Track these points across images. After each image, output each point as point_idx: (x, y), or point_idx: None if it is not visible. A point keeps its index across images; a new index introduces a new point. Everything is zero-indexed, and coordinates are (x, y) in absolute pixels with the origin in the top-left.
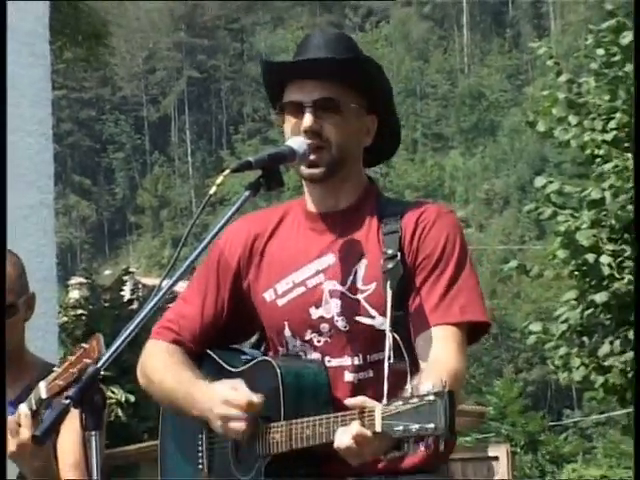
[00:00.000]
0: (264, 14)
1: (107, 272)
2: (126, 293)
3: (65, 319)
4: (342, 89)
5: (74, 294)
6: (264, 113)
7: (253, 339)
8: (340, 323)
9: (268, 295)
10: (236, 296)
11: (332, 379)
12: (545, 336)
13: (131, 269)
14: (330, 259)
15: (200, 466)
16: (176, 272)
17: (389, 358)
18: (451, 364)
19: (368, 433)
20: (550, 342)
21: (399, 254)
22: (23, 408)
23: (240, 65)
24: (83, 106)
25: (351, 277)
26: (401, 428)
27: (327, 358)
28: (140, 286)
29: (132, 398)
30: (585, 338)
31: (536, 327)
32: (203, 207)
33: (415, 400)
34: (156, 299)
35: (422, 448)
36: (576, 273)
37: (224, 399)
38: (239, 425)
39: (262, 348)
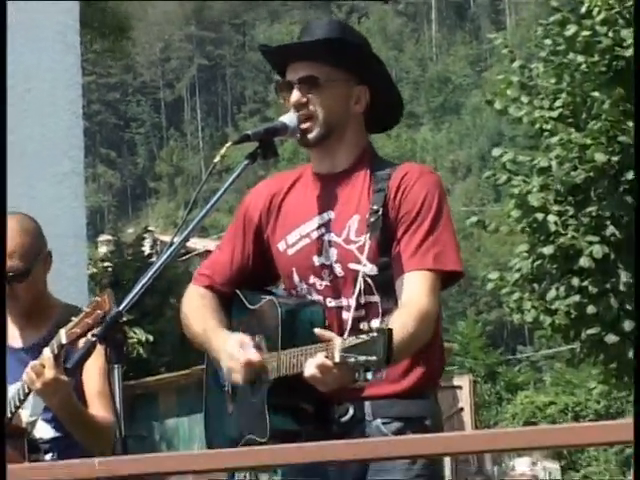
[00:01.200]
0: (262, 11)
1: (130, 230)
2: (146, 248)
3: (94, 270)
4: (327, 67)
5: (102, 249)
6: (262, 95)
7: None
8: (337, 269)
9: (281, 246)
10: (259, 245)
11: (332, 318)
12: (501, 283)
13: (150, 228)
14: (330, 214)
15: (225, 388)
16: (187, 230)
17: (357, 297)
18: (421, 304)
19: (329, 363)
20: (505, 288)
21: (381, 210)
22: (47, 352)
23: (242, 54)
24: (109, 90)
25: (346, 230)
26: (353, 359)
27: (328, 299)
28: (158, 242)
29: (151, 338)
30: (535, 285)
31: (494, 276)
32: (208, 175)
33: (364, 336)
34: (169, 252)
35: (371, 376)
36: (527, 229)
37: (230, 354)
38: (237, 377)
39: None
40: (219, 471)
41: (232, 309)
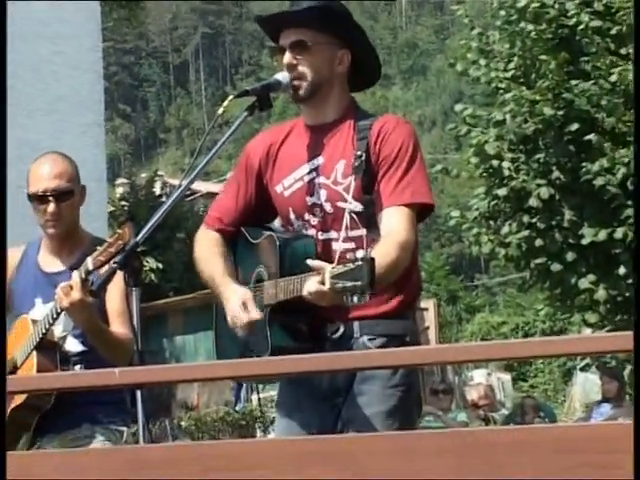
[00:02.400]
0: None
1: (143, 175)
2: (157, 190)
3: (112, 208)
4: (314, 32)
5: (119, 190)
6: (257, 59)
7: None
8: (327, 207)
9: (278, 188)
10: (259, 188)
11: (323, 249)
12: (462, 220)
13: (160, 173)
14: (320, 160)
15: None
16: (193, 173)
17: (345, 231)
18: (400, 235)
19: (323, 288)
20: (466, 225)
21: (364, 154)
22: (75, 276)
23: (240, 24)
24: (125, 54)
25: (334, 173)
26: (341, 285)
27: (319, 233)
28: (167, 185)
29: (161, 266)
30: (491, 221)
31: (455, 214)
32: (212, 125)
33: (350, 265)
34: (177, 193)
35: (357, 300)
36: (484, 174)
37: (233, 314)
38: (240, 331)
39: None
40: (221, 379)
41: (237, 244)
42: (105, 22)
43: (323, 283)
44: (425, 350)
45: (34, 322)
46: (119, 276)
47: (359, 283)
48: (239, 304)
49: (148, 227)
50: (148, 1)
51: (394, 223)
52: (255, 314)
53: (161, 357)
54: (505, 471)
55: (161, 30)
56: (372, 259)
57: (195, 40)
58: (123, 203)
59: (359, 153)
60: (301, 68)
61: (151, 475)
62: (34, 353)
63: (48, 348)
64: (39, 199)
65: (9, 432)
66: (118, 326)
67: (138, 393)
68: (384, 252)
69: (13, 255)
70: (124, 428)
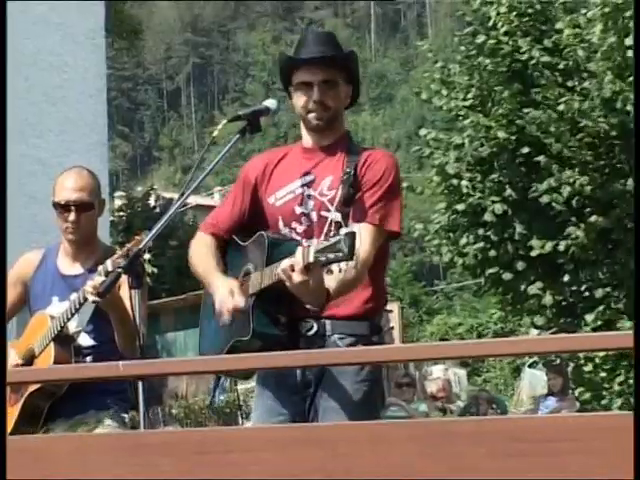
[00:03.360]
0: (243, 22)
1: (139, 189)
2: (151, 202)
3: (113, 218)
4: (336, 71)
5: (117, 202)
6: (241, 87)
7: None
8: (313, 216)
9: (271, 199)
10: (254, 202)
11: None
12: (424, 232)
13: (155, 187)
14: (311, 177)
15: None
16: (190, 189)
17: (328, 233)
18: (361, 256)
19: (299, 261)
20: (428, 236)
21: (352, 171)
22: (97, 276)
23: (226, 55)
24: (124, 80)
25: (321, 186)
26: (324, 258)
27: (303, 240)
28: (160, 197)
29: (155, 270)
30: (450, 234)
31: (419, 226)
32: (209, 145)
33: (333, 239)
34: (174, 207)
35: (336, 270)
36: (445, 192)
37: (220, 300)
38: (224, 319)
39: None
40: (211, 373)
41: (228, 250)
42: (108, 52)
43: (307, 256)
44: (391, 349)
45: (52, 318)
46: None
47: (340, 254)
48: (227, 291)
49: (150, 236)
50: (146, 33)
51: (367, 235)
52: (240, 301)
53: (154, 351)
54: (464, 457)
55: (156, 59)
56: (353, 233)
57: (187, 69)
58: (121, 214)
59: (347, 170)
60: (328, 103)
61: (151, 457)
62: (52, 344)
63: (64, 341)
64: (62, 208)
65: (24, 415)
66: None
67: (139, 384)
68: (362, 244)
69: (33, 258)
70: (126, 414)
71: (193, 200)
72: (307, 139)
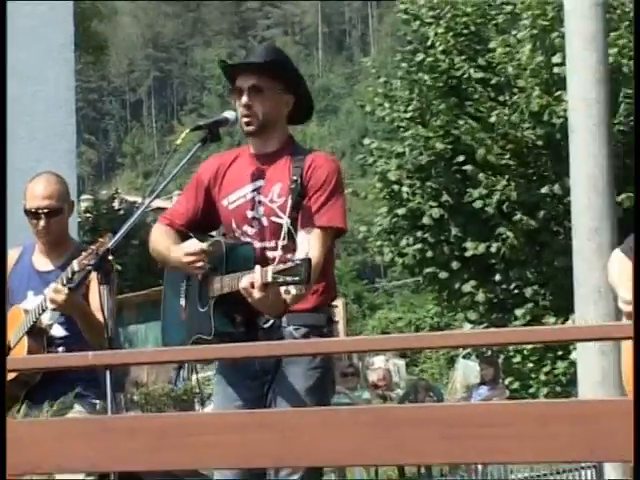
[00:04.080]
0: (199, 40)
1: (104, 192)
2: (115, 204)
3: (80, 220)
4: (268, 79)
5: (83, 204)
6: (198, 99)
7: (221, 229)
8: (264, 220)
9: (224, 202)
10: (207, 201)
11: (261, 254)
12: (368, 234)
13: (119, 190)
14: (261, 182)
15: (181, 299)
16: (154, 193)
17: (284, 239)
18: (314, 257)
19: (258, 278)
20: (371, 238)
21: (299, 179)
22: (62, 276)
23: (185, 70)
24: (90, 92)
25: (271, 193)
26: (281, 279)
27: (255, 242)
28: (124, 200)
29: (119, 267)
30: (392, 235)
31: (363, 229)
32: (172, 152)
33: (290, 263)
34: (141, 210)
35: (294, 291)
36: (386, 197)
37: (187, 251)
38: (197, 264)
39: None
40: (171, 362)
41: None
42: (76, 66)
43: (265, 276)
44: (341, 341)
45: (26, 312)
46: (95, 280)
47: (297, 278)
48: (191, 244)
49: (117, 237)
50: (110, 49)
51: (311, 244)
52: (205, 245)
53: (117, 342)
54: (408, 441)
55: (120, 73)
56: (309, 260)
57: (148, 82)
58: (87, 215)
59: (294, 178)
60: (255, 108)
61: (118, 440)
62: (25, 337)
63: (37, 333)
64: (32, 215)
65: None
66: (99, 314)
67: (107, 373)
68: (312, 249)
69: (12, 254)
70: (97, 400)
71: (154, 203)
72: (251, 145)
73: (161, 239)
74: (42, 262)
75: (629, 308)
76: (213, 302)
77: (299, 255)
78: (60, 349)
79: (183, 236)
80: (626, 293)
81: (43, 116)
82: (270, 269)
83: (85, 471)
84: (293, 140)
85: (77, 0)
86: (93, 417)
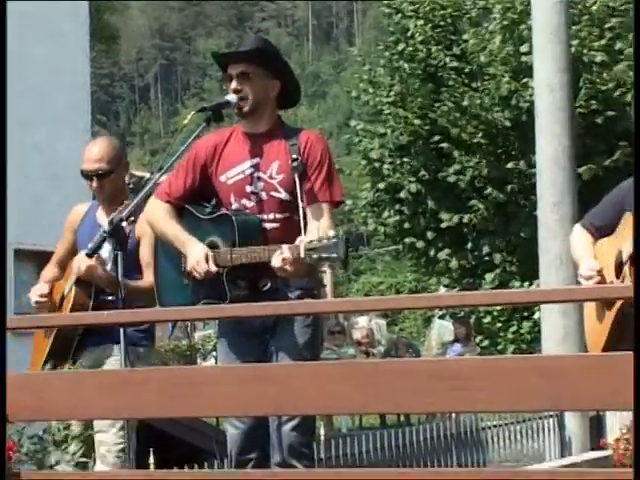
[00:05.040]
0: (201, 30)
1: None
2: (126, 179)
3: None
4: (254, 66)
5: None
6: (200, 84)
7: (213, 201)
8: (263, 195)
9: (222, 178)
10: (202, 176)
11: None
12: (353, 206)
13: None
14: (258, 159)
15: (182, 264)
16: (162, 170)
17: (284, 212)
18: (329, 222)
19: (290, 258)
20: (356, 210)
21: (300, 157)
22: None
23: (188, 58)
24: (102, 77)
25: (270, 170)
26: (316, 257)
27: (255, 214)
28: (133, 175)
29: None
30: (375, 208)
31: (348, 202)
32: (179, 132)
33: (325, 241)
34: (150, 184)
35: (329, 271)
36: (369, 173)
37: (196, 261)
38: (197, 277)
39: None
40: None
41: (183, 218)
42: (91, 54)
43: (297, 253)
44: (328, 302)
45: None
46: (147, 235)
47: (334, 255)
48: (203, 256)
49: (129, 208)
50: (121, 38)
51: (326, 214)
52: (213, 268)
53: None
54: (391, 392)
55: (129, 60)
56: (347, 239)
57: (155, 69)
58: None
59: (295, 156)
60: (244, 92)
61: (134, 391)
62: (73, 287)
63: (84, 283)
64: (86, 176)
65: (55, 346)
66: (148, 274)
67: (121, 330)
68: (327, 227)
69: (80, 209)
70: (141, 348)
71: (162, 178)
72: (244, 125)
73: (167, 223)
74: (102, 217)
75: (587, 283)
76: (225, 271)
77: (311, 229)
78: (109, 298)
79: (181, 210)
80: (584, 269)
81: (62, 99)
82: (302, 246)
83: (101, 418)
84: (282, 121)
85: None
86: (109, 370)
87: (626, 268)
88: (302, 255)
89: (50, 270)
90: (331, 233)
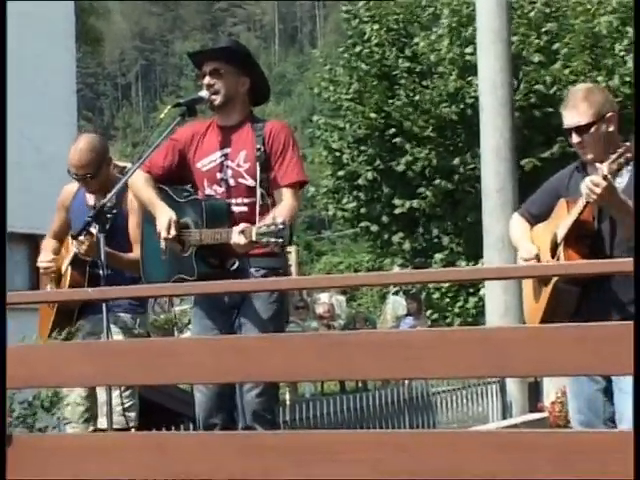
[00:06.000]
0: (179, 34)
1: None
2: (109, 171)
3: None
4: (225, 64)
5: None
6: (177, 83)
7: (189, 186)
8: (231, 181)
9: (199, 165)
10: (180, 161)
11: (229, 210)
12: (315, 193)
13: (112, 157)
14: (227, 150)
15: (161, 245)
16: (141, 159)
17: (249, 197)
18: (290, 203)
19: (245, 240)
20: (318, 197)
21: (262, 147)
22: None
23: (166, 59)
24: (87, 76)
25: (237, 159)
26: (265, 240)
27: (225, 198)
28: (116, 166)
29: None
30: (335, 194)
31: (311, 189)
32: (156, 126)
33: (273, 227)
34: (130, 173)
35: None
36: (330, 162)
37: (161, 225)
38: (162, 243)
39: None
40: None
41: (163, 200)
42: (77, 55)
43: (250, 236)
44: (292, 279)
45: (73, 240)
46: (135, 212)
47: (281, 240)
48: (166, 221)
49: (111, 194)
50: (105, 40)
51: (286, 197)
52: (173, 233)
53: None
54: (351, 360)
55: (112, 61)
56: (290, 225)
57: (136, 68)
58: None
59: (258, 147)
60: (216, 87)
61: (114, 360)
62: (69, 268)
63: (80, 262)
64: (74, 178)
65: (60, 314)
66: (136, 248)
67: (103, 305)
68: (288, 208)
69: (70, 189)
70: (131, 320)
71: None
72: (218, 118)
73: (143, 187)
74: (91, 199)
75: (526, 258)
76: (194, 250)
77: (280, 209)
78: (100, 272)
79: (159, 184)
80: (523, 252)
81: (50, 96)
82: (254, 230)
83: (85, 385)
84: (253, 114)
85: (77, 0)
86: (92, 341)
87: (560, 249)
88: (254, 239)
89: (50, 242)
90: (279, 220)
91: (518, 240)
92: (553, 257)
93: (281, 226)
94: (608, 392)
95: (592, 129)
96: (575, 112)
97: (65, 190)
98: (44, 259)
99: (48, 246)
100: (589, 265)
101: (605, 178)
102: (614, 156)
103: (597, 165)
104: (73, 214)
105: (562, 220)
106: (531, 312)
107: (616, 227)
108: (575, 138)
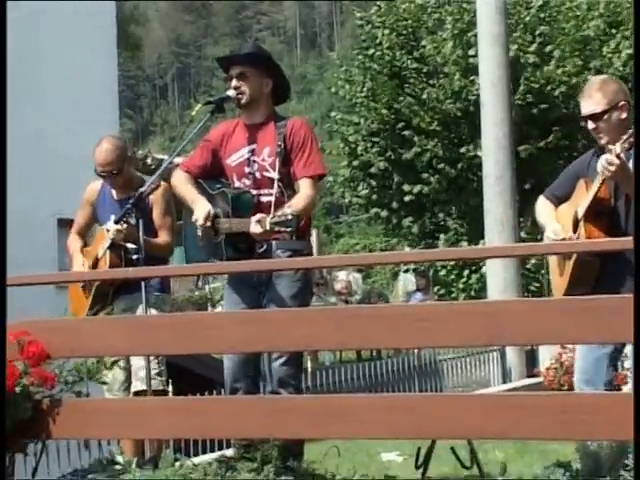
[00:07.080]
0: (210, 40)
1: (140, 152)
2: (149, 161)
3: None
4: (250, 67)
5: None
6: (210, 84)
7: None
8: (257, 175)
9: (229, 160)
10: (214, 158)
11: (256, 200)
12: (333, 182)
13: (150, 151)
14: (254, 146)
15: (198, 230)
16: (175, 152)
17: (273, 188)
18: (308, 193)
19: (260, 229)
20: (336, 185)
21: (282, 144)
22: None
23: (200, 62)
24: (128, 79)
25: (262, 154)
26: (277, 229)
27: (253, 190)
28: (155, 158)
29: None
30: (351, 183)
31: (330, 178)
32: (188, 122)
33: (283, 217)
34: (165, 164)
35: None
36: (347, 153)
37: (199, 215)
38: (198, 229)
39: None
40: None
41: (200, 192)
42: (119, 59)
43: (264, 225)
44: (314, 259)
45: (107, 231)
46: (159, 202)
47: (290, 229)
48: (204, 213)
49: (149, 183)
50: (144, 46)
51: (304, 188)
52: (208, 223)
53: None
54: (366, 331)
55: (151, 64)
56: (298, 216)
57: (172, 71)
58: None
59: (279, 143)
60: (242, 89)
61: (154, 332)
62: (107, 252)
63: (117, 247)
64: (99, 176)
65: (97, 295)
66: (162, 234)
67: (142, 283)
68: (304, 198)
69: (95, 186)
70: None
71: (176, 160)
72: (244, 117)
73: (184, 185)
74: (116, 193)
75: (554, 238)
76: (224, 237)
77: (298, 199)
78: (135, 256)
79: (196, 180)
80: (550, 232)
81: (95, 96)
82: (268, 220)
83: (126, 355)
84: (276, 113)
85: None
86: (133, 315)
87: (581, 224)
88: (268, 228)
89: (75, 240)
90: (288, 211)
91: (545, 221)
92: (575, 232)
93: (290, 217)
94: (612, 358)
95: (606, 116)
96: (590, 101)
97: (90, 188)
98: (81, 266)
99: (75, 245)
100: (585, 244)
101: (618, 156)
102: (625, 136)
103: (609, 146)
104: (99, 209)
105: (582, 199)
106: (557, 286)
107: (631, 205)
108: (591, 125)
